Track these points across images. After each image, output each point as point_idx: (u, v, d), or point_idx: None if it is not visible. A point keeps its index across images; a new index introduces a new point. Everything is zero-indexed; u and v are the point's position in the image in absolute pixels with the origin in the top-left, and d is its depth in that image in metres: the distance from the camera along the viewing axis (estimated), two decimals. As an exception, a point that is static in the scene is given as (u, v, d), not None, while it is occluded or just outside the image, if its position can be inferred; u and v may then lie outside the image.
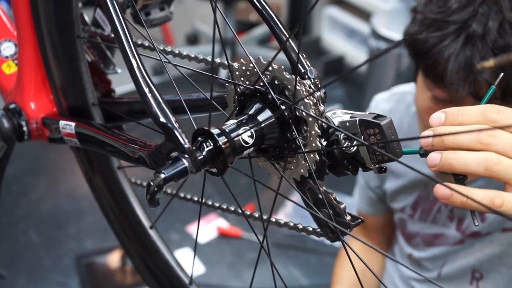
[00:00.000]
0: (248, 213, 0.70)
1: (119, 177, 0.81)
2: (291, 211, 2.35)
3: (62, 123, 0.74)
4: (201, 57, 0.67)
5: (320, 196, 0.57)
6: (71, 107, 0.76)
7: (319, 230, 0.61)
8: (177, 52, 0.70)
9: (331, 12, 3.19)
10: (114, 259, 2.10)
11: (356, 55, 3.03)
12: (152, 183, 0.52)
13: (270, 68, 0.56)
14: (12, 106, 0.79)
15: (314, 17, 3.27)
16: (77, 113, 0.76)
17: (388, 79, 2.44)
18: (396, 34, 2.38)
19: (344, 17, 3.12)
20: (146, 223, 0.82)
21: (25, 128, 0.78)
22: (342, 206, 0.57)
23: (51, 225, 2.28)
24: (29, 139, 0.79)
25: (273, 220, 0.66)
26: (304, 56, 0.57)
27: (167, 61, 0.66)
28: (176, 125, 0.55)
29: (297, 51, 0.57)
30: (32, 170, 2.56)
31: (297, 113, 0.55)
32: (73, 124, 0.73)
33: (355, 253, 0.55)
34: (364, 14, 2.94)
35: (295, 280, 2.05)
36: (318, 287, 2.04)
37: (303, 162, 0.56)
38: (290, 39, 0.59)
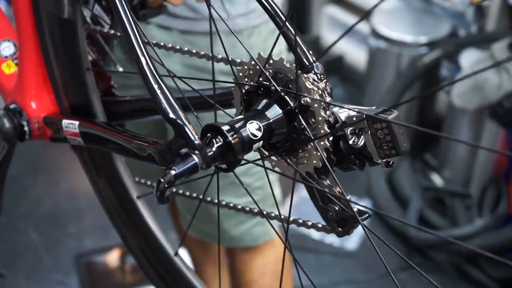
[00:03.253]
0: (265, 212, 0.70)
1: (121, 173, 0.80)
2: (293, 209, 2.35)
3: (65, 122, 0.74)
4: (202, 53, 0.67)
5: (327, 191, 0.57)
6: (73, 106, 0.75)
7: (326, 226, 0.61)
8: (177, 47, 0.70)
9: (331, 11, 3.18)
10: (113, 258, 2.10)
11: (356, 54, 3.02)
12: (162, 180, 0.52)
13: (271, 62, 0.56)
14: (12, 106, 0.78)
15: (313, 16, 3.27)
16: (79, 111, 0.75)
17: (388, 79, 2.44)
18: (396, 34, 2.38)
19: (344, 16, 3.11)
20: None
21: (26, 128, 0.78)
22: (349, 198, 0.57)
23: (51, 224, 2.27)
24: (30, 139, 0.79)
25: (291, 219, 0.67)
26: (311, 52, 0.58)
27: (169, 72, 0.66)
28: (186, 121, 0.56)
29: (300, 43, 0.58)
30: (31, 169, 2.55)
31: (302, 102, 0.55)
32: (76, 123, 0.73)
33: (383, 241, 0.55)
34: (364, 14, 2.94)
35: (294, 280, 2.04)
36: (318, 287, 2.03)
37: (314, 152, 0.56)
38: (287, 23, 0.59)
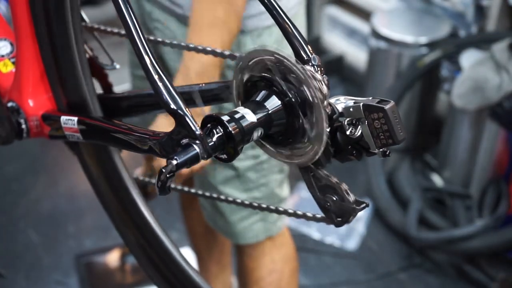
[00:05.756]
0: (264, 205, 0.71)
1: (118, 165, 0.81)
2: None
3: (63, 118, 0.74)
4: (209, 49, 0.68)
5: (325, 182, 0.58)
6: (71, 102, 0.76)
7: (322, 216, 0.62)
8: (183, 44, 0.71)
9: (331, 12, 3.18)
10: (113, 258, 2.10)
11: (356, 54, 3.02)
12: (164, 170, 0.53)
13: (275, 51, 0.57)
14: (10, 104, 0.79)
15: (314, 16, 3.27)
16: (77, 108, 0.76)
17: (388, 79, 2.44)
18: (396, 34, 2.38)
19: (344, 17, 3.11)
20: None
21: (23, 126, 0.78)
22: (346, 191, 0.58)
23: (51, 224, 2.27)
24: (28, 137, 0.79)
25: (281, 209, 0.67)
26: (309, 47, 0.59)
27: None
28: (187, 111, 0.56)
29: (297, 36, 0.59)
30: (31, 169, 2.55)
31: (302, 95, 0.54)
32: (75, 118, 0.73)
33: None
34: (364, 14, 2.94)
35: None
36: (318, 287, 2.03)
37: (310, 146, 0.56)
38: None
